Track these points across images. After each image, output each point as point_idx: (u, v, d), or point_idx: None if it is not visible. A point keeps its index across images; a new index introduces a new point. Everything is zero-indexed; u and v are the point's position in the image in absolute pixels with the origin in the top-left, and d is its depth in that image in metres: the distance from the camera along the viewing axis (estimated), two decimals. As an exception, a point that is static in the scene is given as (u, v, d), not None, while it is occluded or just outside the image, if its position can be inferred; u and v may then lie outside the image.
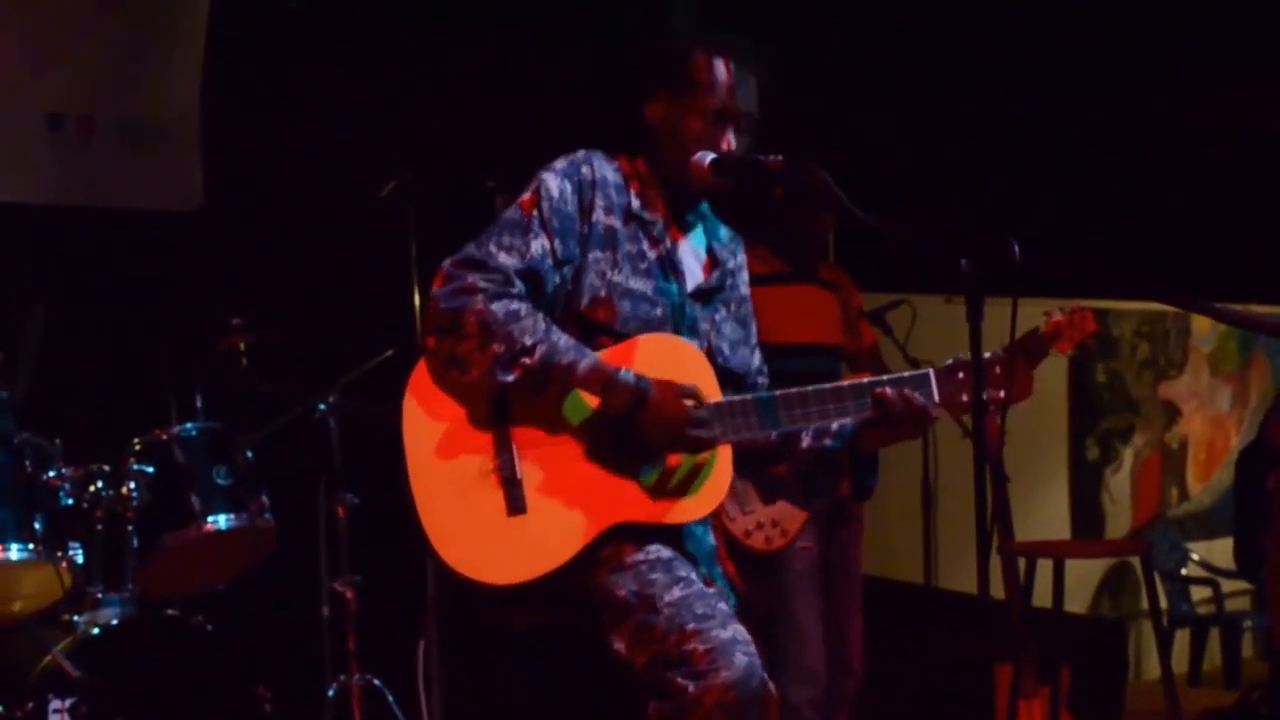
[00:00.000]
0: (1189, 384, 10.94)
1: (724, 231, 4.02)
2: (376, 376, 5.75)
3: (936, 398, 3.84)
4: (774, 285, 5.57)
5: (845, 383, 3.79)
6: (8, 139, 6.32)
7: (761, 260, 5.62)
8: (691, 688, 3.47)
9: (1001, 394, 3.85)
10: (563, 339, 3.61)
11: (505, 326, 3.57)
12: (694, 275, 3.90)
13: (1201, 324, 10.87)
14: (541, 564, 3.60)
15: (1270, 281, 10.02)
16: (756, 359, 4.02)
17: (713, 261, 3.94)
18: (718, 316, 3.93)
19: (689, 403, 3.63)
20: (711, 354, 3.84)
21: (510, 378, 3.58)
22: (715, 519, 3.92)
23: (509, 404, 3.65)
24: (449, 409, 3.65)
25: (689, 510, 3.72)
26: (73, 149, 6.46)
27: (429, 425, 3.64)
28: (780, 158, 3.72)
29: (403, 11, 6.98)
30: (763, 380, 4.00)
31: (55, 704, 4.78)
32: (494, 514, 3.61)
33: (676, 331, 3.80)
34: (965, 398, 3.84)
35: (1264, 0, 7.93)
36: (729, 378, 3.85)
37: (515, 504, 3.61)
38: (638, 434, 3.64)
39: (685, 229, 3.91)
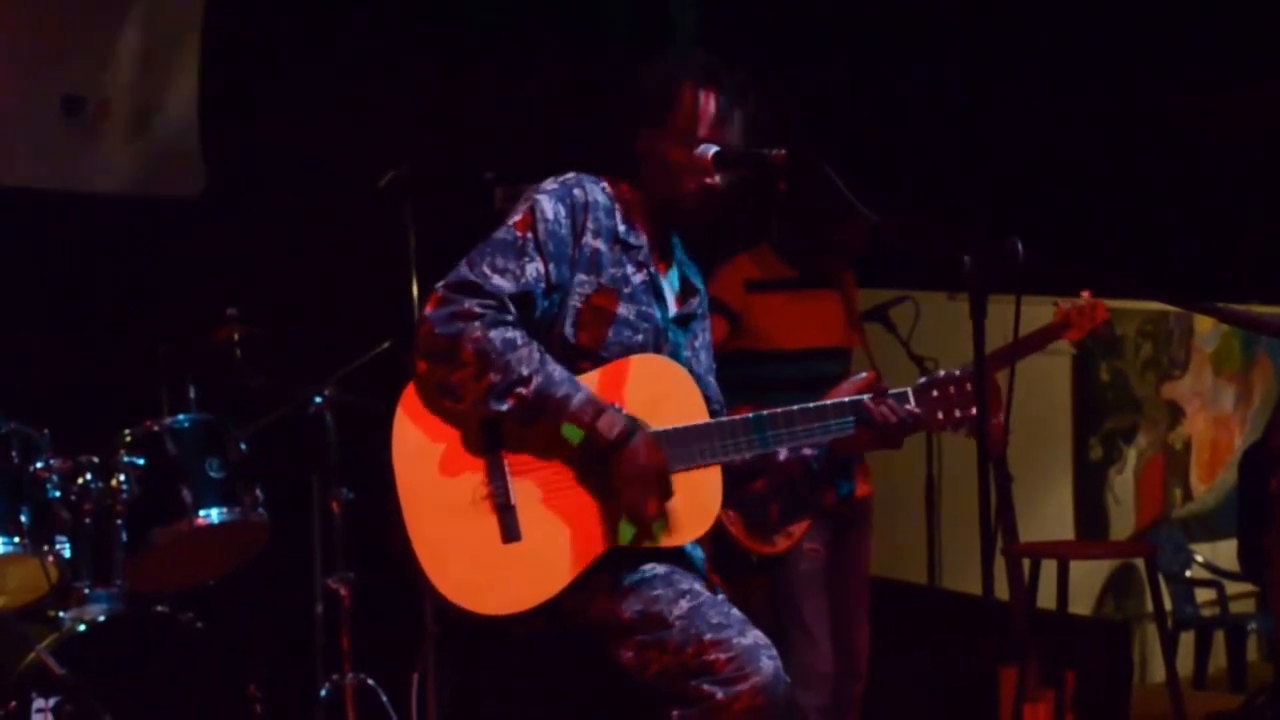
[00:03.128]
0: (1192, 384, 10.92)
1: (689, 259, 4.01)
2: (373, 369, 5.70)
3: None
4: (779, 291, 5.52)
5: (829, 401, 3.78)
6: (23, 122, 6.29)
7: (767, 263, 5.56)
8: (720, 694, 3.45)
9: (974, 411, 3.83)
10: (557, 371, 3.57)
11: (503, 356, 3.52)
12: (671, 302, 3.88)
13: (1204, 324, 10.86)
14: (537, 592, 3.55)
15: (1273, 281, 9.98)
16: (715, 385, 4.00)
17: (687, 289, 3.94)
18: (696, 344, 3.94)
19: (662, 465, 3.59)
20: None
21: (504, 407, 3.53)
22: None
23: (501, 429, 3.60)
24: (440, 434, 3.59)
25: (682, 535, 3.67)
26: (86, 134, 6.44)
27: (420, 450, 3.58)
28: (783, 152, 3.69)
29: (402, 4, 6.93)
30: (724, 410, 3.96)
31: (39, 703, 4.69)
32: (488, 541, 3.55)
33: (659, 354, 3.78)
34: (941, 416, 3.85)
35: (1265, 0, 7.90)
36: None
37: (509, 531, 3.56)
38: (608, 471, 3.58)
39: (665, 255, 3.89)
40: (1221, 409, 11.14)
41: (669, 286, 3.88)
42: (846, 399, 3.78)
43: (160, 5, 6.61)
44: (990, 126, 8.61)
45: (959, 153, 8.52)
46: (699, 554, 3.84)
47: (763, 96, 3.87)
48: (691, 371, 3.83)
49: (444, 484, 3.57)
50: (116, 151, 6.53)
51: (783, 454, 3.84)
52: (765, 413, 3.72)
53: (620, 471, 3.56)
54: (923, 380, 3.86)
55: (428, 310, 3.57)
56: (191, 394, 5.50)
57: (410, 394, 3.60)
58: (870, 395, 3.78)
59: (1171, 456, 10.77)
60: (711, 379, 3.98)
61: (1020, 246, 3.43)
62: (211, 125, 6.67)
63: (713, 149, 3.74)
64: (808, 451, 3.86)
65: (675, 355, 3.82)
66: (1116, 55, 8.44)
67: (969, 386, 3.83)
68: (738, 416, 3.73)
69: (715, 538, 5.33)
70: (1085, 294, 5.66)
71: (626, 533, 3.59)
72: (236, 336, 5.66)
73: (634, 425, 3.58)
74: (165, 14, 6.63)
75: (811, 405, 3.75)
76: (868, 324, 6.07)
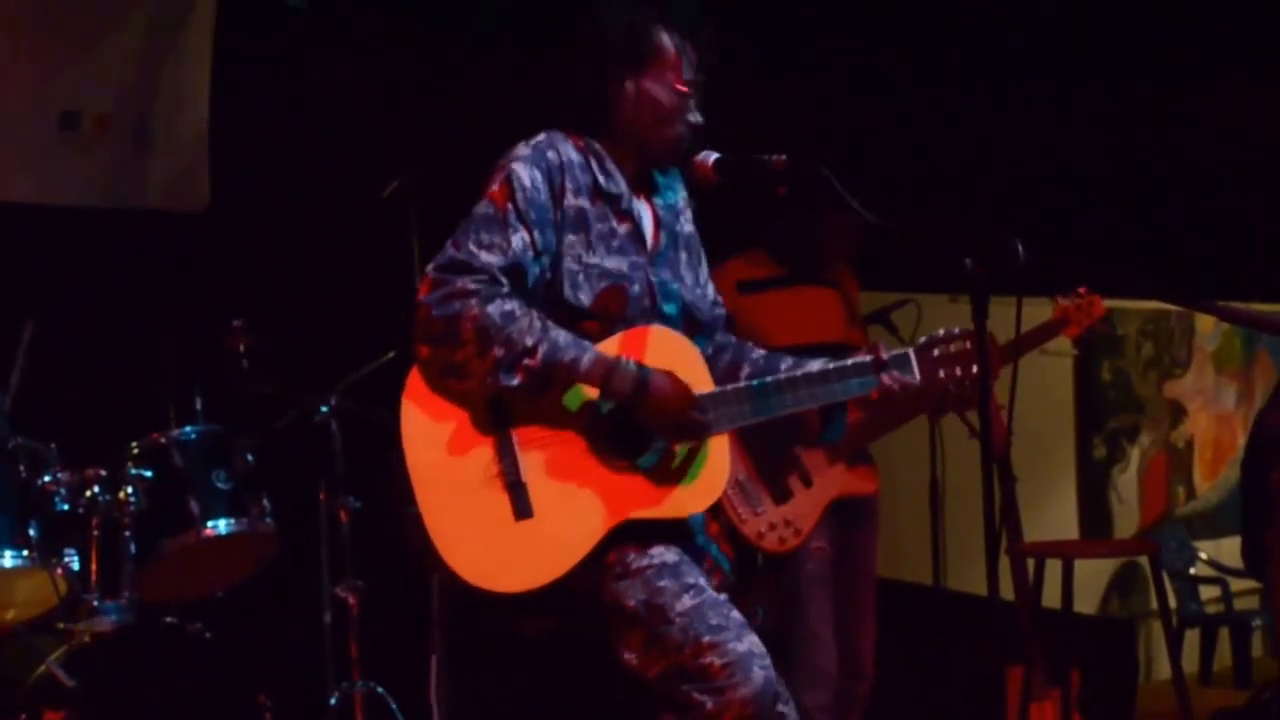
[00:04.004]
0: (1194, 382, 10.93)
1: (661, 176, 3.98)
2: (379, 378, 5.70)
3: (918, 375, 3.85)
4: (773, 290, 5.54)
5: (832, 365, 3.80)
6: (20, 139, 6.28)
7: (759, 264, 5.59)
8: (709, 704, 3.46)
9: (975, 369, 3.86)
10: (561, 335, 3.58)
11: (503, 330, 3.52)
12: (650, 238, 3.87)
13: (1206, 322, 10.87)
14: (552, 568, 3.56)
15: (1274, 279, 9.97)
16: (711, 291, 4.02)
17: (659, 216, 3.90)
18: (681, 269, 3.91)
19: (689, 391, 3.64)
20: (689, 310, 3.84)
21: (514, 381, 3.54)
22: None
23: (507, 406, 3.60)
24: (447, 416, 3.60)
25: (691, 502, 3.70)
26: (84, 149, 6.44)
27: (428, 434, 3.58)
28: (783, 157, 3.71)
29: (406, 12, 6.93)
30: (720, 310, 4.01)
31: (49, 715, 4.71)
32: (501, 519, 3.56)
33: (654, 301, 3.78)
34: (942, 375, 3.86)
35: (1265, 0, 7.91)
36: (699, 326, 3.87)
37: (521, 508, 3.57)
38: (638, 422, 3.62)
39: (642, 189, 3.89)
40: (1223, 407, 11.15)
41: (648, 225, 3.86)
42: (849, 362, 3.79)
43: (161, 19, 6.61)
44: (990, 126, 8.61)
45: (959, 154, 8.52)
46: (699, 519, 3.84)
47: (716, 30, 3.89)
48: (685, 301, 3.85)
49: (454, 465, 3.57)
50: (116, 165, 6.53)
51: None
52: (770, 379, 3.76)
53: (650, 416, 3.61)
54: (923, 340, 3.88)
55: (422, 294, 3.57)
56: (198, 405, 5.51)
57: (415, 379, 3.61)
58: (871, 362, 3.80)
59: (1174, 455, 10.79)
60: (706, 291, 3.98)
61: (1020, 247, 3.45)
62: (215, 135, 6.68)
63: (713, 156, 3.79)
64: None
65: (666, 293, 3.81)
66: (1116, 53, 8.44)
67: (969, 344, 3.84)
68: (727, 388, 3.75)
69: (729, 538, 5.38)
70: (1082, 290, 5.68)
71: (678, 465, 3.65)
72: (242, 347, 5.66)
73: (645, 370, 3.61)
74: (167, 28, 6.62)
75: (815, 370, 3.78)
76: (870, 327, 6.09)
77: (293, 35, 6.69)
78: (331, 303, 6.36)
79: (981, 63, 8.31)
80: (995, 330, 3.58)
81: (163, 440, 5.32)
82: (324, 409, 5.79)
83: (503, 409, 3.60)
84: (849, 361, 3.80)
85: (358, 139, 6.57)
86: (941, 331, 3.88)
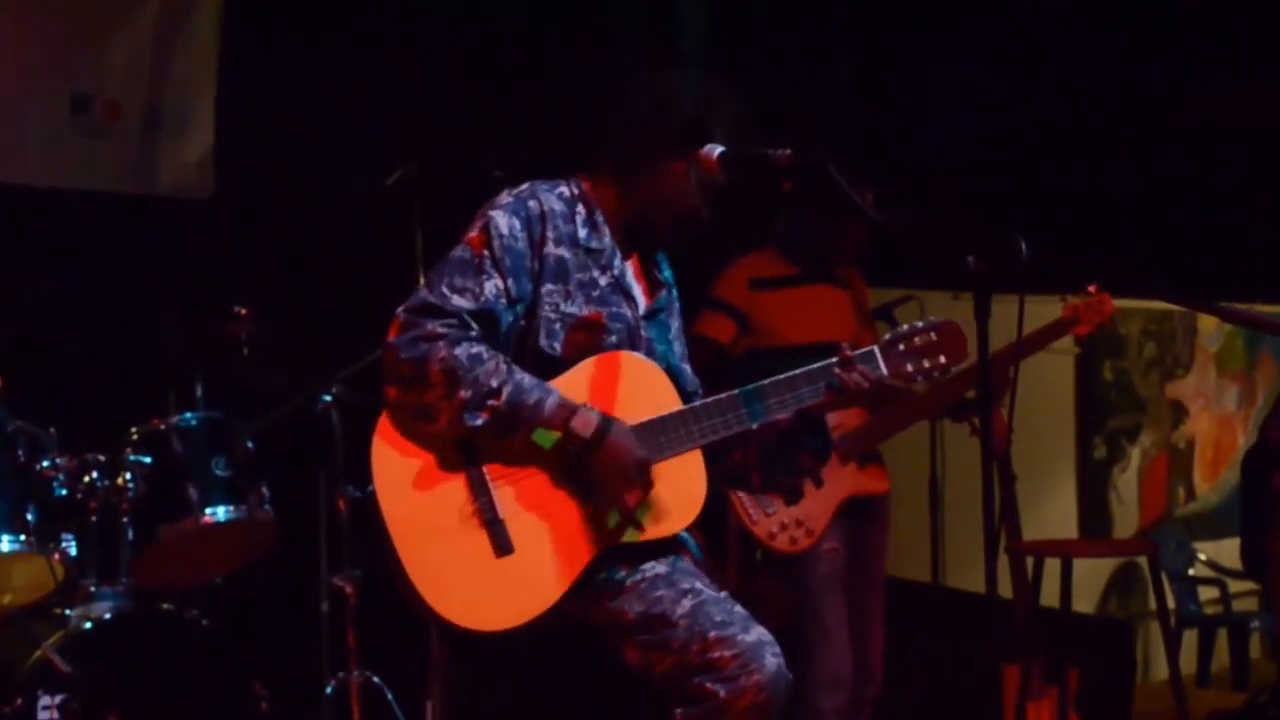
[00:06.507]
0: (1196, 383, 10.92)
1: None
2: (380, 368, 5.69)
3: (885, 371, 3.83)
4: (785, 288, 5.54)
5: (800, 370, 3.79)
6: (32, 121, 6.28)
7: (770, 263, 5.58)
8: (723, 692, 3.47)
9: (943, 360, 3.85)
10: (525, 378, 3.57)
11: (470, 371, 3.51)
12: (640, 297, 3.88)
13: (1208, 323, 10.85)
14: (538, 602, 3.56)
15: (1277, 280, 9.97)
16: (690, 370, 4.01)
17: (653, 283, 3.93)
18: (670, 335, 3.94)
19: (640, 455, 3.61)
20: (672, 375, 3.83)
21: (479, 421, 3.53)
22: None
23: (478, 443, 3.59)
24: (419, 457, 3.58)
25: (672, 523, 3.69)
26: (94, 134, 6.44)
27: (402, 478, 3.57)
28: (788, 152, 3.69)
29: (410, 1, 6.93)
30: (699, 391, 3.97)
31: (45, 700, 4.71)
32: (481, 558, 3.56)
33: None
34: (910, 368, 3.84)
35: (1265, 0, 7.91)
36: (684, 396, 3.83)
37: (501, 545, 3.57)
38: (588, 468, 3.59)
39: (630, 252, 3.88)
40: (1225, 408, 11.14)
41: (635, 283, 3.87)
42: (816, 365, 3.78)
43: (172, 5, 6.61)
44: (994, 125, 8.61)
45: (963, 152, 8.52)
46: (692, 543, 3.85)
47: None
48: (668, 364, 3.85)
49: (430, 507, 3.56)
50: (126, 151, 6.53)
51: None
52: (737, 391, 3.74)
53: (599, 467, 3.57)
54: (887, 336, 3.87)
55: (391, 337, 3.56)
56: (199, 392, 5.51)
57: (385, 423, 3.60)
58: (838, 361, 3.79)
59: (1175, 455, 10.78)
60: (686, 366, 3.99)
61: (1024, 245, 3.44)
62: (220, 123, 6.67)
63: (718, 149, 3.75)
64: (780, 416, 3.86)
65: (651, 350, 3.83)
66: (1121, 52, 8.44)
67: (934, 335, 3.84)
68: (709, 399, 3.74)
69: (741, 538, 5.37)
70: (1093, 288, 5.66)
71: (614, 526, 3.61)
72: (244, 334, 5.66)
73: (608, 421, 3.59)
74: (177, 15, 6.62)
75: (783, 376, 3.77)
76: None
77: (297, 21, 6.69)
78: (334, 291, 6.36)
79: (985, 61, 8.31)
80: (995, 328, 3.56)
81: (163, 426, 5.32)
82: (325, 398, 5.78)
83: (474, 445, 3.59)
84: (816, 365, 3.79)
85: (362, 128, 6.57)
86: (905, 326, 3.88)
